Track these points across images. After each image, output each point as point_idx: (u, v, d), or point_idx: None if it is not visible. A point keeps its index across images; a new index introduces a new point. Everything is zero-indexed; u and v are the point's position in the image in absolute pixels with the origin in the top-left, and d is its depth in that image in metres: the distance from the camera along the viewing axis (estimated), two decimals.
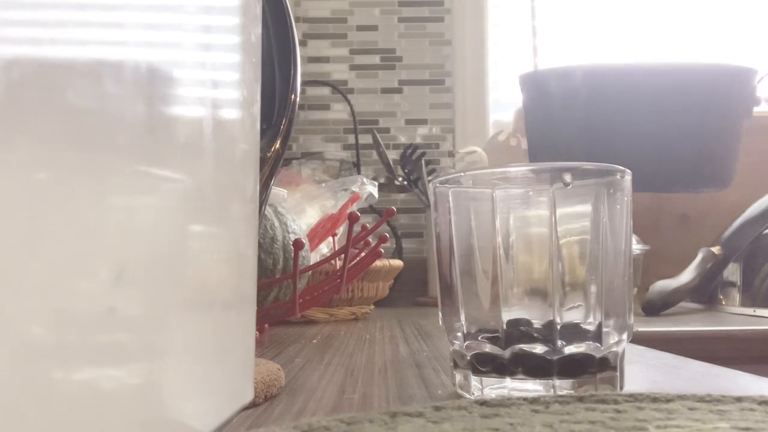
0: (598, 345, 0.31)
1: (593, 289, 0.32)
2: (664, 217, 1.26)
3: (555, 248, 0.31)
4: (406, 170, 1.26)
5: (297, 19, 1.37)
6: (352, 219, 0.59)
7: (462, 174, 0.35)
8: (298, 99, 0.41)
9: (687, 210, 1.26)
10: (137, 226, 0.17)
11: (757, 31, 1.34)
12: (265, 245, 0.64)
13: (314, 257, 0.82)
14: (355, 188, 0.94)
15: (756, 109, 1.03)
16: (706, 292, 1.08)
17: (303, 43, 1.38)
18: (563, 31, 1.39)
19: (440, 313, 0.36)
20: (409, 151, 1.27)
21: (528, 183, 0.34)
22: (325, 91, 1.38)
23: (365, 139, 1.35)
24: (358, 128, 1.36)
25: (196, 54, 0.21)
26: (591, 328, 0.32)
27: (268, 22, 0.39)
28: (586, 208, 0.32)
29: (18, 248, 0.12)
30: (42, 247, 0.13)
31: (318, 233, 0.84)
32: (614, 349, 0.32)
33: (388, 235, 0.64)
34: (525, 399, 0.24)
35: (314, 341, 0.63)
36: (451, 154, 1.37)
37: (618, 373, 0.32)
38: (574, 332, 0.31)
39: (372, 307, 0.94)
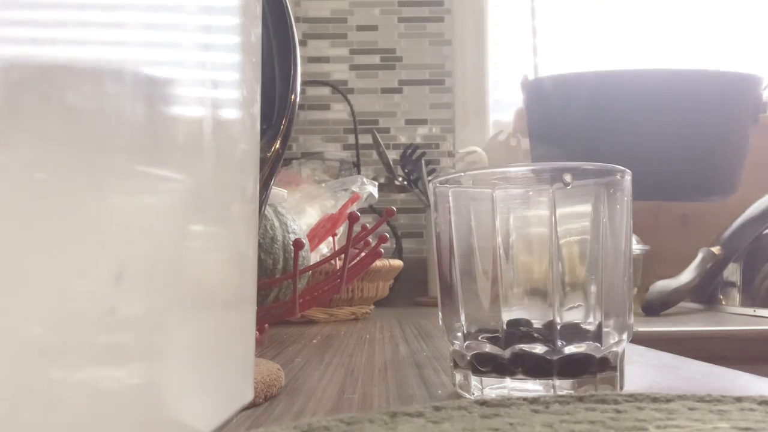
0: (598, 345, 0.32)
1: (593, 289, 0.32)
2: (664, 217, 1.26)
3: (555, 248, 0.31)
4: (406, 170, 1.26)
5: (297, 19, 1.37)
6: (352, 219, 0.59)
7: (462, 174, 0.35)
8: (298, 99, 0.41)
9: (687, 210, 1.26)
10: (137, 226, 0.17)
11: (762, 38, 1.34)
12: (265, 245, 0.64)
13: (314, 257, 0.82)
14: (355, 188, 0.94)
15: None
16: (706, 292, 1.08)
17: (303, 43, 1.38)
18: (564, 31, 1.39)
19: (440, 313, 0.36)
20: (409, 151, 1.27)
21: (528, 183, 0.34)
22: (325, 91, 1.38)
23: (365, 139, 1.35)
24: (358, 128, 1.36)
25: (196, 54, 0.21)
26: (591, 328, 0.32)
27: (268, 22, 0.39)
28: (586, 208, 0.32)
29: (18, 248, 0.12)
30: (42, 247, 0.13)
31: (318, 233, 0.84)
32: (614, 349, 0.32)
33: (388, 235, 0.64)
34: (525, 399, 0.24)
35: (314, 341, 0.63)
36: (451, 154, 1.37)
37: (618, 373, 0.32)
38: (574, 332, 0.31)
39: (372, 307, 0.94)
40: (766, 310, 0.95)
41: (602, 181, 0.32)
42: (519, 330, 0.32)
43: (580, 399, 0.24)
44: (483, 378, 0.32)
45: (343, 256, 0.60)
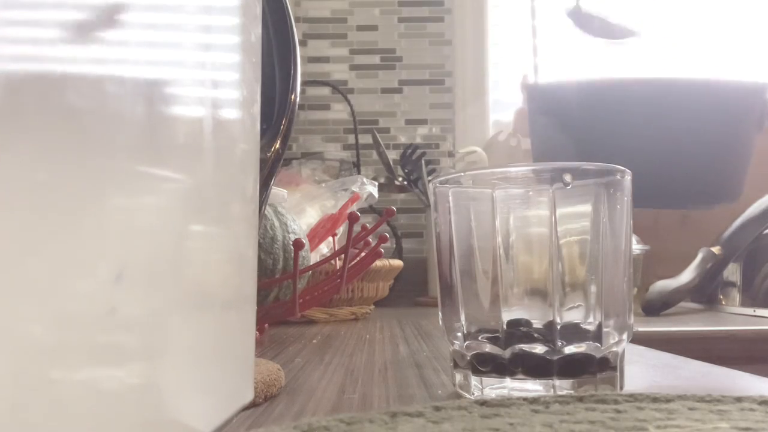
0: (598, 345, 0.32)
1: (593, 289, 0.32)
2: (664, 217, 1.26)
3: (555, 248, 0.31)
4: (406, 170, 1.26)
5: (297, 19, 1.37)
6: (352, 219, 0.59)
7: (462, 174, 0.35)
8: (298, 99, 0.41)
9: (687, 210, 1.26)
10: (137, 226, 0.17)
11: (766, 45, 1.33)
12: (265, 245, 0.64)
13: (314, 257, 0.82)
14: (355, 188, 0.94)
15: None
16: (706, 292, 1.08)
17: (303, 43, 1.38)
18: (564, 32, 1.39)
19: (440, 313, 0.36)
20: (409, 151, 1.27)
21: (528, 183, 0.34)
22: (325, 91, 1.38)
23: (365, 139, 1.35)
24: (358, 128, 1.36)
25: (196, 54, 0.21)
26: (591, 328, 0.32)
27: (268, 22, 0.39)
28: (586, 208, 0.32)
29: (18, 248, 0.12)
30: (42, 247, 0.13)
31: (318, 233, 0.84)
32: (614, 349, 0.32)
33: (388, 235, 0.64)
34: (525, 399, 0.24)
35: (314, 341, 0.63)
36: (451, 154, 1.38)
37: (618, 373, 0.32)
38: (574, 332, 0.31)
39: (372, 307, 0.94)
40: (766, 310, 0.95)
41: (602, 181, 0.32)
42: (519, 330, 0.32)
43: (580, 399, 0.24)
44: (483, 378, 0.32)
45: (343, 256, 0.60)
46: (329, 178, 1.20)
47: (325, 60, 1.39)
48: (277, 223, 0.66)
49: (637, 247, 1.06)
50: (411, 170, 1.26)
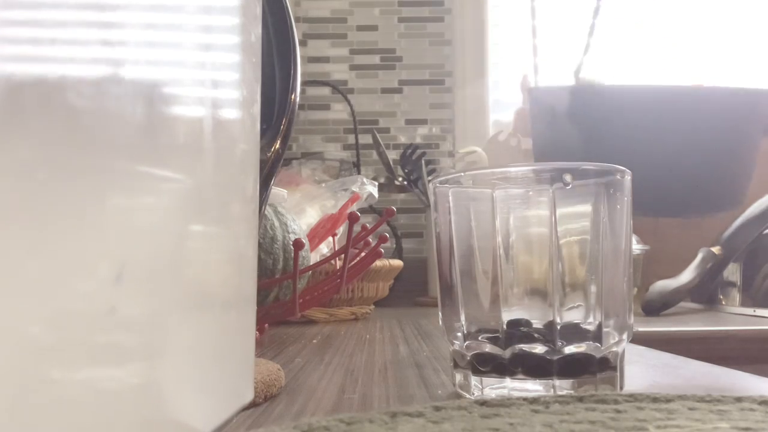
0: (598, 345, 0.32)
1: (593, 289, 0.32)
2: (665, 218, 1.26)
3: (555, 248, 0.31)
4: (406, 170, 1.26)
5: (297, 19, 1.37)
6: (352, 219, 0.59)
7: (462, 174, 0.35)
8: (298, 99, 0.41)
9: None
10: (137, 226, 0.17)
11: None
12: (265, 245, 0.64)
13: (314, 257, 0.82)
14: (355, 188, 0.94)
15: None
16: (706, 292, 1.08)
17: (303, 43, 1.38)
18: (564, 32, 1.39)
19: (440, 313, 0.36)
20: (409, 151, 1.27)
21: (528, 183, 0.34)
22: (325, 91, 1.38)
23: (365, 139, 1.35)
24: (358, 128, 1.36)
25: (196, 54, 0.21)
26: (591, 328, 0.32)
27: (268, 22, 0.39)
28: (586, 208, 0.32)
29: (18, 248, 0.12)
30: (42, 246, 0.13)
31: (318, 233, 0.84)
32: (614, 349, 0.32)
33: (388, 235, 0.64)
34: (525, 399, 0.24)
35: (314, 341, 0.63)
36: (451, 154, 1.38)
37: (618, 373, 0.32)
38: (574, 332, 0.31)
39: (372, 307, 0.94)
40: (766, 310, 0.95)
41: (602, 181, 0.32)
42: (519, 330, 0.32)
43: (580, 399, 0.24)
44: (483, 378, 0.32)
45: (343, 256, 0.60)
46: (329, 178, 1.20)
47: (325, 60, 1.39)
48: (277, 223, 0.66)
49: (637, 247, 1.06)
50: (411, 170, 1.26)
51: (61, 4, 0.14)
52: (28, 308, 0.12)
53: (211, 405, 0.22)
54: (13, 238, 0.12)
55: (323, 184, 0.99)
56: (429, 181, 0.75)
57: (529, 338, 0.31)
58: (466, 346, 0.33)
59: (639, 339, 0.58)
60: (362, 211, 0.93)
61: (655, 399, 0.24)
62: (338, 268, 0.65)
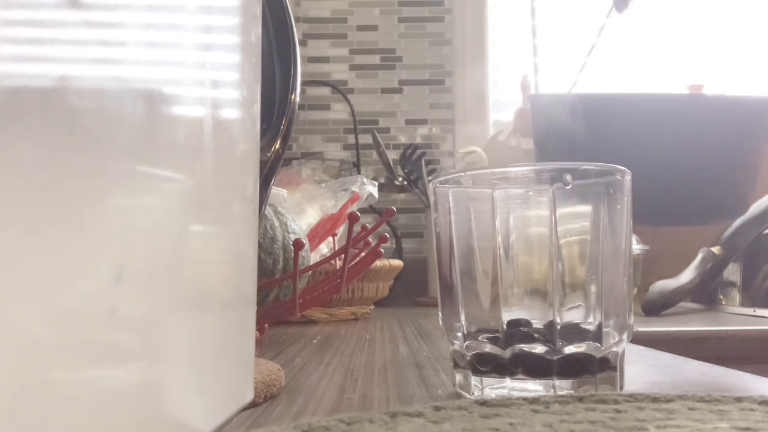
0: (598, 345, 0.32)
1: (593, 289, 0.32)
2: None
3: (555, 248, 0.31)
4: (406, 170, 1.26)
5: (297, 19, 1.37)
6: (352, 219, 0.59)
7: (462, 174, 0.35)
8: (298, 99, 0.40)
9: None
10: (137, 226, 0.17)
11: None
12: (265, 245, 0.64)
13: (314, 257, 0.82)
14: (355, 188, 0.94)
15: None
16: (706, 292, 1.08)
17: (303, 43, 1.38)
18: (564, 32, 1.39)
19: (440, 313, 0.36)
20: (409, 151, 1.27)
21: (528, 183, 0.34)
22: (325, 91, 1.38)
23: (365, 139, 1.35)
24: (358, 128, 1.36)
25: (196, 54, 0.21)
26: (591, 328, 0.32)
27: (268, 22, 0.39)
28: (586, 208, 0.32)
29: (18, 248, 0.12)
30: (42, 246, 0.13)
31: (318, 233, 0.84)
32: (614, 349, 0.32)
33: (388, 235, 0.64)
34: (525, 399, 0.24)
35: (314, 341, 0.63)
36: (451, 154, 1.38)
37: (618, 373, 0.32)
38: (574, 332, 0.31)
39: (372, 307, 0.94)
40: (766, 310, 0.95)
41: (602, 181, 0.32)
42: (519, 330, 0.32)
43: (580, 399, 0.24)
44: (483, 378, 0.32)
45: (343, 256, 0.60)
46: (329, 178, 1.20)
47: (325, 60, 1.39)
48: (277, 223, 0.66)
49: (637, 247, 1.06)
50: (411, 170, 1.26)
51: (61, 4, 0.14)
52: (28, 308, 0.12)
53: (211, 405, 0.22)
54: (14, 238, 0.12)
55: (323, 184, 0.99)
56: (429, 181, 0.75)
57: (529, 338, 0.31)
58: (466, 346, 0.33)
59: (639, 339, 0.58)
60: (362, 211, 0.93)
61: (655, 399, 0.24)
62: (338, 268, 0.65)
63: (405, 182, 1.27)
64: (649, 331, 0.79)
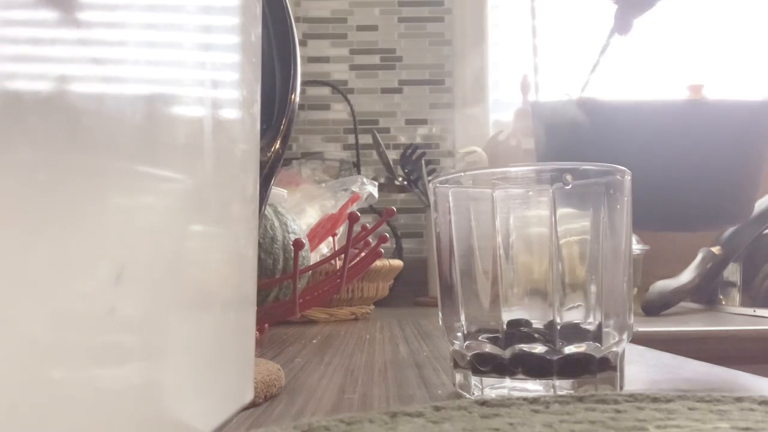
0: (598, 345, 0.32)
1: (593, 289, 0.32)
2: None
3: (555, 248, 0.31)
4: (406, 170, 1.26)
5: (297, 19, 1.37)
6: (352, 219, 0.59)
7: (462, 174, 0.35)
8: (298, 99, 0.40)
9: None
10: (137, 226, 0.17)
11: None
12: (265, 245, 0.64)
13: (314, 257, 0.82)
14: (355, 188, 0.94)
15: None
16: (706, 292, 1.08)
17: (303, 43, 1.38)
18: (564, 32, 1.39)
19: (440, 313, 0.36)
20: (409, 151, 1.27)
21: (528, 183, 0.34)
22: (325, 91, 1.38)
23: (365, 139, 1.35)
24: (358, 128, 1.36)
25: (196, 54, 0.21)
26: (591, 328, 0.32)
27: (268, 22, 0.39)
28: (586, 207, 0.32)
29: (18, 248, 0.12)
30: (42, 247, 0.13)
31: (318, 233, 0.84)
32: (614, 349, 0.32)
33: (388, 235, 0.64)
34: (525, 399, 0.24)
35: (314, 341, 0.63)
36: (451, 154, 1.38)
37: (618, 373, 0.32)
38: (574, 332, 0.31)
39: (372, 307, 0.94)
40: (766, 310, 0.95)
41: (602, 181, 0.32)
42: (519, 330, 0.32)
43: (580, 399, 0.24)
44: (483, 378, 0.32)
45: (343, 256, 0.60)
46: (329, 178, 1.20)
47: (325, 60, 1.39)
48: (277, 223, 0.66)
49: (637, 247, 1.06)
50: (411, 170, 1.26)
51: (61, 4, 0.14)
52: (28, 308, 0.12)
53: (211, 405, 0.22)
54: (14, 239, 0.12)
55: (323, 184, 0.99)
56: (429, 181, 0.75)
57: (529, 338, 0.31)
58: (466, 346, 0.33)
59: (639, 339, 0.58)
60: (362, 211, 0.93)
61: (655, 399, 0.24)
62: (338, 268, 0.65)
63: (405, 182, 1.27)
64: (649, 331, 0.79)
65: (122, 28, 0.16)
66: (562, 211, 0.31)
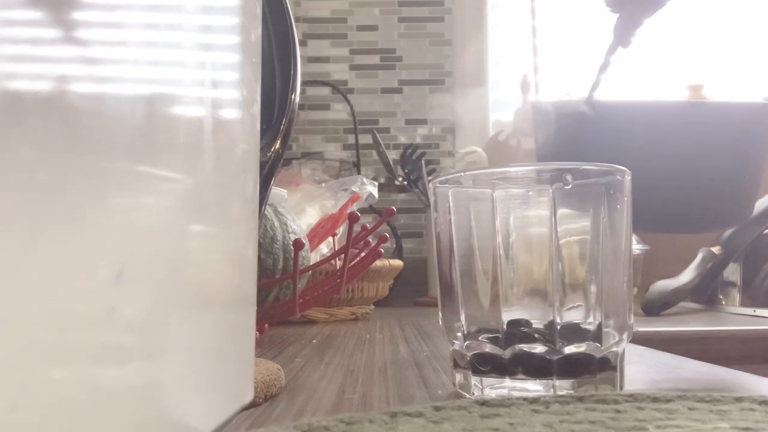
0: (598, 345, 0.32)
1: (593, 289, 0.32)
2: None
3: (555, 248, 0.31)
4: (406, 170, 1.26)
5: (297, 19, 1.37)
6: (352, 219, 0.59)
7: (462, 174, 0.35)
8: (298, 99, 0.40)
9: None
10: (137, 226, 0.17)
11: None
12: (265, 245, 0.64)
13: (314, 257, 0.82)
14: (355, 188, 0.94)
15: None
16: (706, 292, 1.08)
17: (303, 43, 1.38)
18: (564, 32, 1.39)
19: (440, 313, 0.36)
20: (409, 151, 1.27)
21: (528, 183, 0.34)
22: (325, 91, 1.38)
23: (365, 139, 1.35)
24: (358, 128, 1.36)
25: (196, 54, 0.21)
26: (591, 328, 0.32)
27: (268, 22, 0.39)
28: (586, 208, 0.32)
29: (19, 248, 0.12)
30: (42, 247, 0.13)
31: (318, 233, 0.84)
32: (614, 349, 0.32)
33: (388, 235, 0.64)
34: (525, 399, 0.24)
35: (314, 341, 0.63)
36: (451, 154, 1.38)
37: (618, 373, 0.32)
38: (574, 332, 0.31)
39: (372, 307, 0.94)
40: (766, 310, 0.95)
41: (602, 181, 0.32)
42: (519, 330, 0.32)
43: (580, 399, 0.24)
44: (483, 378, 0.32)
45: (343, 256, 0.60)
46: (329, 178, 1.20)
47: (325, 60, 1.39)
48: (277, 223, 0.66)
49: (637, 247, 1.06)
50: (411, 170, 1.26)
51: (61, 4, 0.14)
52: (28, 308, 0.12)
53: (211, 405, 0.22)
54: (14, 239, 0.12)
55: (323, 184, 0.99)
56: (429, 181, 0.75)
57: (529, 338, 0.31)
58: (466, 346, 0.33)
59: (639, 339, 0.58)
60: (362, 211, 0.93)
61: (655, 399, 0.24)
62: (338, 268, 0.65)
63: (405, 182, 1.27)
64: (649, 331, 0.79)
65: (122, 28, 0.16)
66: (562, 211, 0.31)
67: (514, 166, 0.34)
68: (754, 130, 0.97)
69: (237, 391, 0.25)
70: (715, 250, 1.05)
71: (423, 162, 1.25)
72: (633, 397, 0.24)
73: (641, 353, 0.48)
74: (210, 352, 0.22)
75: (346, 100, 1.36)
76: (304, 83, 1.37)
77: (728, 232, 1.06)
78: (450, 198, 0.34)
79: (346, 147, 1.38)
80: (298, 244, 0.56)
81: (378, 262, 0.87)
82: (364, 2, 1.40)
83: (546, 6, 1.40)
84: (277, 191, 0.70)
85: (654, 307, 1.00)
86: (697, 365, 0.42)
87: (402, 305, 1.18)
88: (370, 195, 0.97)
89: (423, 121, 1.39)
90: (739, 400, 0.24)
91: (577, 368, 0.31)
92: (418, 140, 1.37)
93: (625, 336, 0.33)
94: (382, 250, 0.64)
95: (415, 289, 1.25)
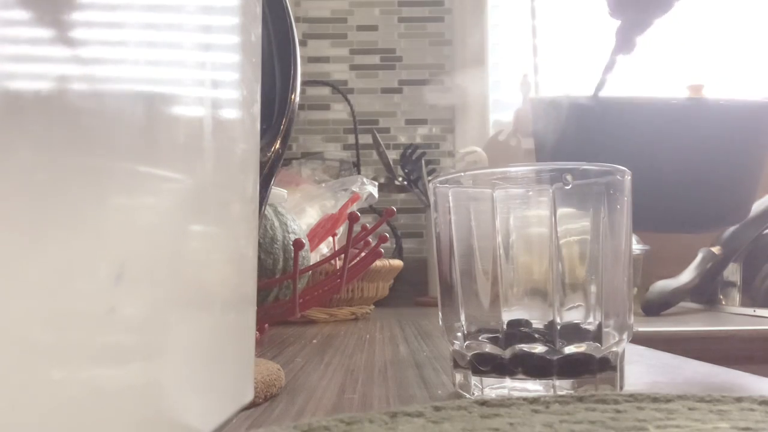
0: (598, 345, 0.31)
1: (593, 289, 0.32)
2: None
3: (555, 248, 0.31)
4: (406, 170, 1.26)
5: (297, 19, 1.37)
6: (352, 219, 0.59)
7: (462, 174, 0.35)
8: (298, 99, 0.40)
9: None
10: (137, 226, 0.17)
11: None
12: (265, 245, 0.64)
13: (314, 257, 0.82)
14: (355, 188, 0.94)
15: None
16: (706, 292, 1.08)
17: (303, 43, 1.38)
18: (564, 32, 1.39)
19: (440, 313, 0.36)
20: (409, 151, 1.27)
21: (528, 183, 0.34)
22: (325, 91, 1.38)
23: (365, 139, 1.35)
24: (358, 128, 1.36)
25: (196, 54, 0.21)
26: (591, 328, 0.32)
27: (268, 22, 0.39)
28: (586, 208, 0.32)
29: (18, 248, 0.12)
30: (42, 247, 0.13)
31: (318, 233, 0.84)
32: (614, 349, 0.32)
33: (388, 235, 0.64)
34: (525, 399, 0.24)
35: (314, 341, 0.63)
36: (451, 154, 1.38)
37: (618, 373, 0.32)
38: (574, 332, 0.31)
39: (372, 307, 0.94)
40: (766, 310, 0.95)
41: (602, 181, 0.32)
42: (519, 330, 0.32)
43: (580, 399, 0.24)
44: (483, 378, 0.32)
45: (343, 256, 0.60)
46: (329, 178, 1.20)
47: (325, 60, 1.39)
48: (277, 223, 0.66)
49: (637, 247, 1.06)
50: (411, 170, 1.26)
51: (61, 4, 0.14)
52: (28, 308, 0.12)
53: (211, 405, 0.22)
54: (14, 239, 0.12)
55: (323, 184, 0.99)
56: (429, 181, 0.75)
57: (529, 338, 0.31)
58: (466, 346, 0.33)
59: (639, 339, 0.58)
60: (362, 211, 0.93)
61: (655, 399, 0.24)
62: (338, 268, 0.65)
63: (405, 182, 1.27)
64: (649, 331, 0.79)
65: (122, 28, 0.16)
66: (562, 211, 0.31)
67: (514, 166, 0.34)
68: (754, 128, 0.97)
69: (237, 391, 0.25)
70: (715, 250, 1.05)
71: (423, 162, 1.25)
72: (633, 397, 0.24)
73: (641, 353, 0.48)
74: (210, 352, 0.22)
75: (346, 100, 1.36)
76: (304, 83, 1.37)
77: (728, 232, 1.06)
78: (450, 198, 0.34)
79: (346, 147, 1.38)
80: (298, 244, 0.56)
81: (378, 262, 0.87)
82: (364, 2, 1.40)
83: (546, 6, 1.40)
84: (277, 191, 0.70)
85: (654, 307, 1.00)
86: (697, 365, 0.42)
87: (402, 305, 1.18)
88: (370, 195, 0.97)
89: (423, 121, 1.39)
90: (739, 400, 0.24)
91: (577, 368, 0.31)
92: (418, 140, 1.37)
93: (625, 336, 0.33)
94: (382, 250, 0.64)
95: (415, 289, 1.26)
